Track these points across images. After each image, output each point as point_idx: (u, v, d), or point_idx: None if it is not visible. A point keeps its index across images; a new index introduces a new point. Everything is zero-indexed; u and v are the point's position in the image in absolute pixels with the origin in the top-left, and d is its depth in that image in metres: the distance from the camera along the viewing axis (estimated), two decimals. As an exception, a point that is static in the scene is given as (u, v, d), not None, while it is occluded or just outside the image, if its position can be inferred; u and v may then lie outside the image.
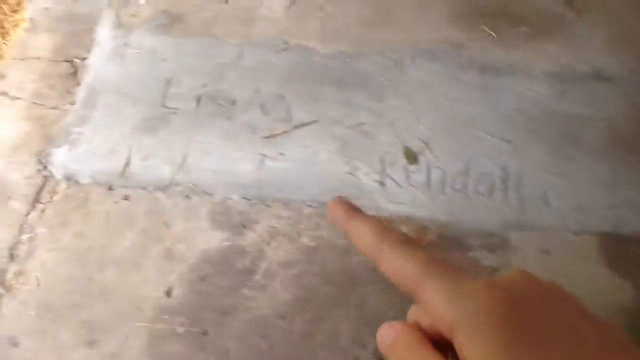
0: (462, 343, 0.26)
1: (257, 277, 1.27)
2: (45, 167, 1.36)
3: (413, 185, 1.35)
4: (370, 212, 1.33)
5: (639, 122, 1.40)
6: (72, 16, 1.61)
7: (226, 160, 1.36)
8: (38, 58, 1.54)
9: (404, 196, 1.33)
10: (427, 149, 1.38)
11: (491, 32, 1.53)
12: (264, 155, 1.37)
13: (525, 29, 1.55)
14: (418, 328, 0.30)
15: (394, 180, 1.35)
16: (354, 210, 0.33)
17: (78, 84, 1.48)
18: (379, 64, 1.47)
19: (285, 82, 1.45)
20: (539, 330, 0.25)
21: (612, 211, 1.29)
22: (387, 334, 0.30)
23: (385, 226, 0.31)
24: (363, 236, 0.31)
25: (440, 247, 1.27)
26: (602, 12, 1.60)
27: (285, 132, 1.39)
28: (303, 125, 1.40)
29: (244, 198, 1.33)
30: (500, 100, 1.43)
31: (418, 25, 1.55)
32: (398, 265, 0.29)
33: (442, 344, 0.28)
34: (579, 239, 1.27)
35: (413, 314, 0.30)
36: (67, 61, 1.53)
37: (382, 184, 1.35)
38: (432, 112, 1.42)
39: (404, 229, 1.28)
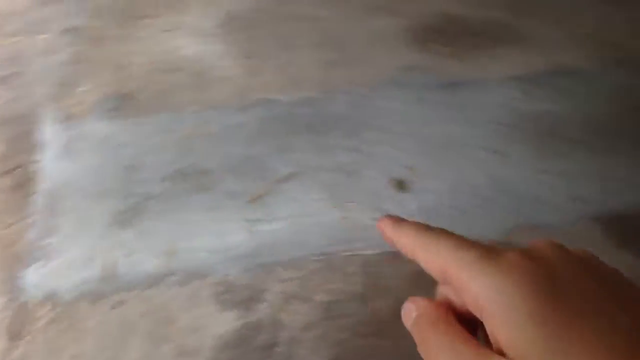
0: (492, 324, 0.25)
1: (280, 348, 1.19)
2: (20, 292, 1.24)
3: (409, 214, 1.33)
4: (376, 250, 1.27)
5: (612, 107, 1.46)
6: (10, 119, 1.50)
7: (215, 235, 1.29)
8: (-19, 174, 1.41)
9: (404, 227, 1.30)
10: (413, 176, 1.37)
11: (445, 48, 1.56)
12: (254, 221, 1.30)
13: (477, 40, 1.59)
14: (444, 305, 0.29)
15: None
16: (398, 221, 0.34)
17: (34, 192, 1.37)
18: (346, 101, 1.46)
19: (256, 140, 1.40)
20: (574, 306, 0.24)
21: (605, 195, 1.32)
22: (410, 310, 0.29)
23: (427, 226, 0.31)
24: (404, 238, 0.31)
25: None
26: (550, 11, 1.67)
27: (269, 190, 1.34)
28: (284, 179, 1.35)
29: (245, 270, 1.26)
30: (474, 112, 1.45)
31: (375, 57, 1.55)
32: (429, 251, 0.29)
33: (473, 322, 0.27)
34: (582, 228, 1.29)
35: (444, 288, 0.30)
36: (15, 169, 1.41)
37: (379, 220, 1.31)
38: (409, 138, 1.41)
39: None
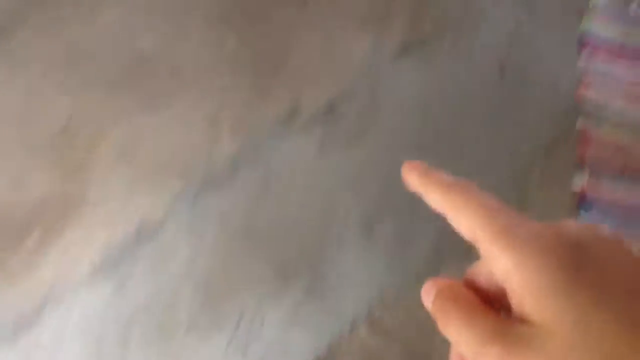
0: (519, 294, 0.24)
1: None
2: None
3: None
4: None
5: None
6: None
7: None
8: None
9: None
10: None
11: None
12: None
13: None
14: (466, 283, 0.29)
15: None
16: (425, 171, 0.31)
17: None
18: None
19: None
20: (604, 281, 0.23)
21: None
22: (430, 290, 0.28)
23: (455, 182, 0.30)
24: (432, 194, 0.30)
25: None
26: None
27: None
28: None
29: None
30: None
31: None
32: (458, 211, 0.28)
33: (497, 302, 0.27)
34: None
35: (473, 267, 0.29)
36: None
37: None
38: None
39: None
